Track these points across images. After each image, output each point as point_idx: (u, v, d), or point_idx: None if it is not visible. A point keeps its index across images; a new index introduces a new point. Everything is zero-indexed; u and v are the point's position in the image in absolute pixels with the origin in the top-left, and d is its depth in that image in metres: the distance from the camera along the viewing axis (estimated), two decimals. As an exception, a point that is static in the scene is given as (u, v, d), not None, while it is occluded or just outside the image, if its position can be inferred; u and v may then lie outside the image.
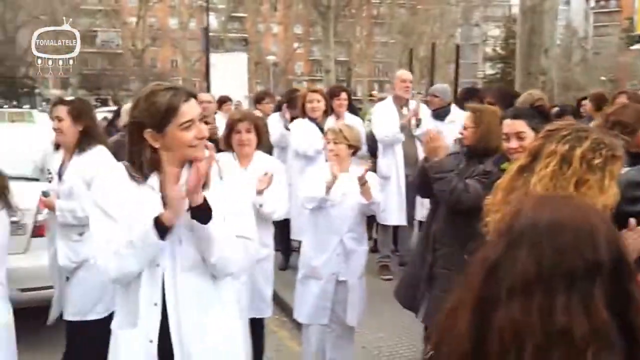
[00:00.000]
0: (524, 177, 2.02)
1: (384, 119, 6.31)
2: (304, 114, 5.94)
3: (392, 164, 6.30)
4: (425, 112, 6.38)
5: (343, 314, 4.02)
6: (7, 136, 6.96)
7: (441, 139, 3.53)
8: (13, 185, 4.38)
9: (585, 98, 6.55)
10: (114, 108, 18.02)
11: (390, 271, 6.43)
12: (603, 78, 42.58)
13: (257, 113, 7.31)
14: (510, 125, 3.03)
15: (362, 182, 3.82)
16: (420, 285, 3.60)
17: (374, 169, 6.25)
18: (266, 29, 52.02)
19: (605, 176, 1.98)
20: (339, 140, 4.00)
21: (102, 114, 16.49)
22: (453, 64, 37.29)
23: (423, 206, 6.46)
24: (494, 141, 3.41)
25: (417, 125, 6.22)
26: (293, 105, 6.27)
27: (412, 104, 6.39)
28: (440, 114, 6.59)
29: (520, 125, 2.97)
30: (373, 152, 6.57)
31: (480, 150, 3.52)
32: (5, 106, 41.02)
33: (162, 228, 2.10)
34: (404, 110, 6.25)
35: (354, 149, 4.09)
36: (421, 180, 3.67)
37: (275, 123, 6.31)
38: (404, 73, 6.62)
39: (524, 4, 9.27)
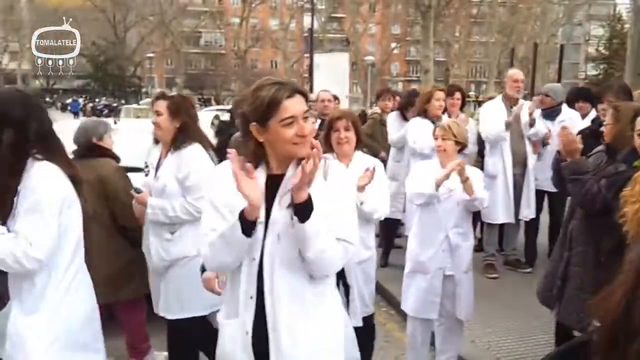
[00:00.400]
0: None
1: (491, 117, 6.34)
2: (424, 112, 5.99)
3: (500, 162, 6.32)
4: (528, 112, 6.30)
5: (452, 308, 4.08)
6: (133, 130, 7.44)
7: (579, 141, 3.55)
8: (139, 177, 4.65)
9: None
10: (222, 107, 18.71)
11: (496, 270, 6.47)
12: None
13: (377, 109, 7.54)
14: None
15: (464, 178, 3.89)
16: (556, 282, 3.68)
17: (480, 167, 6.35)
18: (364, 29, 52.14)
19: None
20: (447, 137, 4.06)
21: (211, 112, 17.08)
22: (553, 64, 36.05)
23: (529, 207, 6.50)
24: (630, 138, 3.40)
25: (531, 125, 6.23)
26: (411, 106, 6.38)
27: (522, 102, 6.40)
28: (550, 113, 6.56)
29: None
30: (480, 152, 6.64)
31: (619, 148, 3.53)
32: (114, 104, 43.37)
33: (247, 222, 2.09)
34: (514, 109, 6.25)
35: (461, 146, 4.16)
36: (558, 179, 3.76)
37: (393, 122, 6.48)
38: (516, 72, 6.60)
39: (636, 4, 9.02)
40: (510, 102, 6.39)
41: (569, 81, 41.69)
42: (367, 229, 3.85)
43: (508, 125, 6.19)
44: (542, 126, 6.36)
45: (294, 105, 2.13)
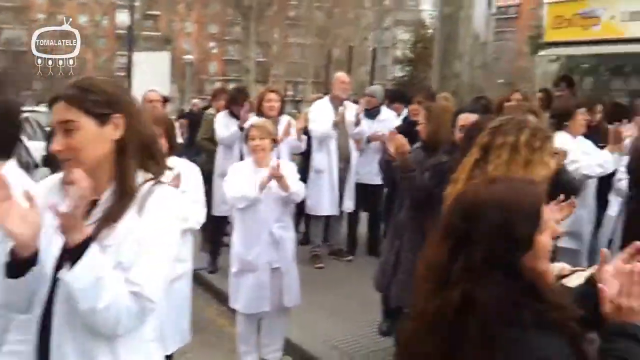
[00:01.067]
0: (480, 168, 2.38)
1: (320, 116, 6.67)
2: (260, 112, 6.08)
3: (326, 158, 6.67)
4: (354, 112, 6.72)
5: (279, 300, 4.20)
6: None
7: (406, 143, 3.87)
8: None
9: (479, 98, 7.21)
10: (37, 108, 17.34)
11: (322, 260, 6.79)
12: (500, 81, 44.59)
13: (211, 110, 7.47)
14: (467, 118, 3.57)
15: (277, 176, 4.00)
16: (389, 269, 4.02)
17: (304, 163, 6.63)
18: (181, 28, 51.21)
19: (544, 154, 2.40)
20: (265, 136, 4.17)
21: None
22: (365, 66, 38.05)
23: (351, 199, 6.90)
24: (444, 134, 3.86)
25: (357, 125, 6.65)
26: (237, 103, 6.39)
27: (347, 104, 6.80)
28: (372, 113, 7.07)
29: (475, 118, 3.45)
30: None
31: (434, 143, 3.97)
32: None
33: (18, 262, 1.65)
34: (341, 109, 6.64)
35: (275, 143, 4.36)
36: (386, 176, 4.15)
37: (222, 120, 6.46)
38: (343, 75, 7.08)
39: (443, 12, 9.84)
40: (338, 102, 6.76)
41: (380, 82, 44.18)
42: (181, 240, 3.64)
43: (336, 125, 6.55)
44: (365, 126, 6.83)
45: (54, 113, 1.76)
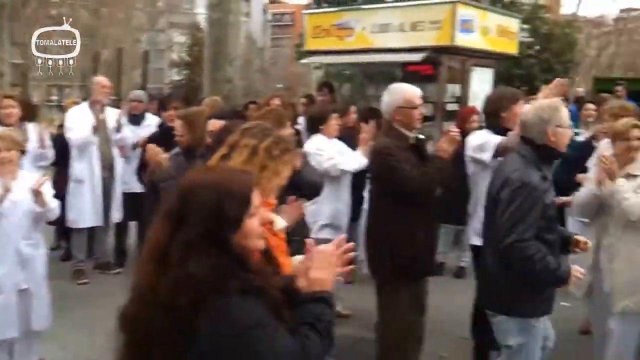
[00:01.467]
0: (225, 163, 2.49)
1: (78, 123, 6.33)
2: None
3: (87, 167, 6.35)
4: (115, 117, 6.49)
5: (28, 323, 3.96)
6: None
7: (161, 153, 3.89)
8: None
9: (250, 102, 7.48)
10: None
11: (86, 275, 6.45)
12: (279, 85, 46.40)
13: None
14: (215, 124, 3.77)
15: (36, 192, 3.80)
16: None
17: (63, 173, 6.24)
18: None
19: (281, 163, 2.55)
20: (11, 146, 3.88)
21: None
22: (139, 69, 37.04)
23: (118, 209, 6.66)
24: (202, 139, 3.98)
25: (118, 130, 6.42)
26: None
27: (109, 109, 6.55)
28: (138, 119, 6.92)
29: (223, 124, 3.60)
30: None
31: (192, 149, 4.06)
32: None
33: None
34: (101, 115, 6.38)
35: (22, 154, 4.09)
36: (152, 186, 4.16)
37: None
38: (103, 79, 6.78)
39: (211, 17, 9.91)
40: (98, 107, 6.45)
41: (156, 85, 43.33)
42: None
43: (96, 130, 6.26)
44: (128, 131, 6.61)
45: None
